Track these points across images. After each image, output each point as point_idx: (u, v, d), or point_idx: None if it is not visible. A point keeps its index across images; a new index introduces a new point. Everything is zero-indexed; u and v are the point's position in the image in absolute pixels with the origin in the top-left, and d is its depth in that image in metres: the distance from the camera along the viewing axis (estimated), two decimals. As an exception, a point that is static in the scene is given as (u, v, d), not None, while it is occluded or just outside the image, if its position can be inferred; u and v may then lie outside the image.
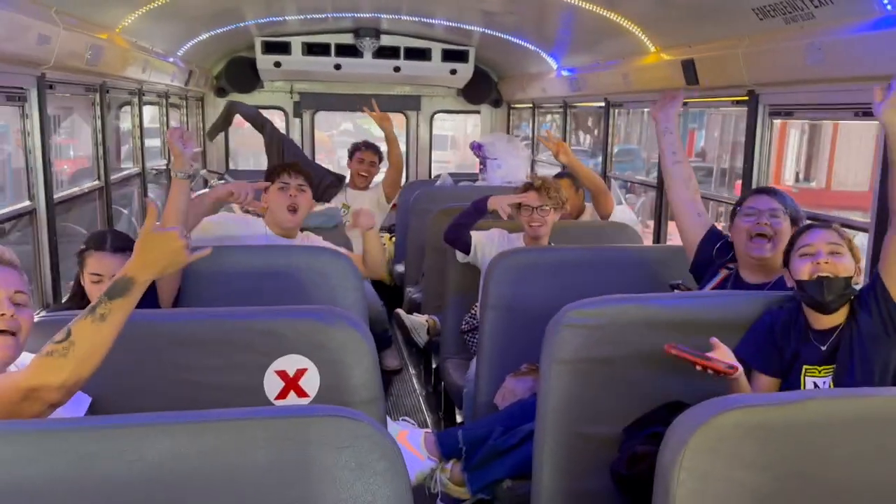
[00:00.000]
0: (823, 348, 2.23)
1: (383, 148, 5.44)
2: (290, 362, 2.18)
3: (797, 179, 13.37)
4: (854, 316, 2.22)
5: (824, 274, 2.18)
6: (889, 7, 2.57)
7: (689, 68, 3.89)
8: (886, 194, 2.40)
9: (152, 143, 6.20)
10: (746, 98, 3.66)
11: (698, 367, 2.14)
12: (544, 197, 3.58)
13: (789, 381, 2.27)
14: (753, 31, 3.29)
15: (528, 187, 3.65)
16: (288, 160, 5.16)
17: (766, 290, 2.61)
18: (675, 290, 2.88)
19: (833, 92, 3.10)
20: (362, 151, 5.33)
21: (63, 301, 3.51)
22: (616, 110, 5.66)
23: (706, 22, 3.62)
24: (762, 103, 3.60)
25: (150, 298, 2.77)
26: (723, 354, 2.17)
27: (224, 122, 6.21)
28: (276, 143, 5.77)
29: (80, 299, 2.71)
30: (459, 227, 3.78)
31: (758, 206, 2.66)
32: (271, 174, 3.45)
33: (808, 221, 2.47)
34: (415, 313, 4.47)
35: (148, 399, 2.15)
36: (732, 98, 3.90)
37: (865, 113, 2.96)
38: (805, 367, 2.25)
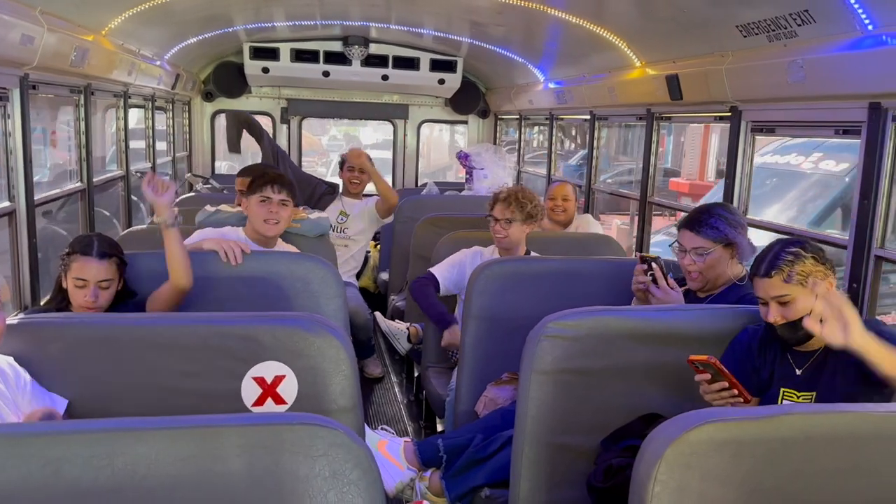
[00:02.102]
0: (799, 372, 2.21)
1: (375, 155, 5.49)
2: (269, 369, 2.16)
3: (719, 175, 14.03)
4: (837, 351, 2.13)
5: (777, 324, 2.16)
6: (870, 27, 2.61)
7: (673, 83, 3.93)
8: (865, 214, 2.41)
9: (137, 144, 6.17)
10: (729, 114, 3.70)
11: (722, 384, 2.10)
12: (506, 209, 3.58)
13: (767, 400, 2.26)
14: (737, 48, 3.33)
15: (495, 199, 3.65)
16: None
17: (709, 300, 2.76)
18: (649, 264, 2.80)
19: (814, 110, 3.14)
20: (349, 159, 5.34)
21: (42, 303, 3.47)
22: (601, 123, 5.70)
23: (691, 38, 3.66)
24: (744, 119, 3.64)
25: (134, 309, 2.75)
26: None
27: (237, 134, 6.15)
28: (273, 155, 5.76)
29: (59, 302, 2.68)
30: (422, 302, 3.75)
31: (683, 242, 2.77)
32: (253, 185, 3.38)
33: (781, 237, 2.43)
34: (397, 320, 4.46)
35: (124, 403, 2.14)
36: (715, 114, 3.94)
37: (846, 131, 3.01)
38: (783, 388, 2.24)
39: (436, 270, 3.75)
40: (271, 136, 7.85)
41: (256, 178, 3.41)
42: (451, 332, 3.64)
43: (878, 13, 2.56)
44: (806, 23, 2.81)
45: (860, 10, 2.58)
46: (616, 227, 8.34)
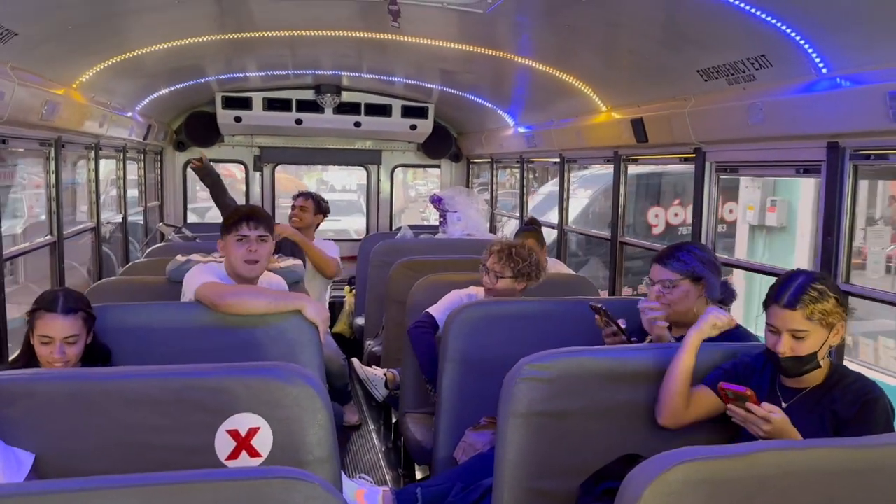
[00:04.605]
0: (784, 405, 2.19)
1: (342, 197, 5.43)
2: (243, 421, 2.13)
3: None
4: (831, 394, 2.15)
5: (783, 356, 2.14)
6: (824, 70, 2.71)
7: (638, 126, 4.03)
8: (829, 251, 2.44)
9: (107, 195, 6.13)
10: (693, 155, 3.79)
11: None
12: (496, 263, 3.47)
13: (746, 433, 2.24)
14: (698, 92, 3.43)
15: (491, 249, 3.53)
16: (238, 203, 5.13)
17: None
18: (597, 314, 2.84)
19: (775, 150, 3.23)
20: (295, 199, 5.31)
21: (10, 360, 3.39)
22: (570, 165, 5.80)
23: (654, 83, 3.77)
24: (709, 160, 3.73)
25: (96, 358, 2.70)
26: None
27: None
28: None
29: (27, 360, 2.62)
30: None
31: (653, 276, 2.80)
32: (227, 223, 3.15)
33: (793, 269, 2.36)
34: (373, 366, 4.42)
35: (94, 459, 2.09)
36: (680, 155, 4.03)
37: (806, 170, 3.10)
38: None
39: (434, 311, 3.63)
40: (245, 183, 7.89)
41: (230, 214, 3.20)
42: None
43: (830, 57, 2.66)
44: (763, 67, 2.91)
45: (814, 55, 2.69)
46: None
